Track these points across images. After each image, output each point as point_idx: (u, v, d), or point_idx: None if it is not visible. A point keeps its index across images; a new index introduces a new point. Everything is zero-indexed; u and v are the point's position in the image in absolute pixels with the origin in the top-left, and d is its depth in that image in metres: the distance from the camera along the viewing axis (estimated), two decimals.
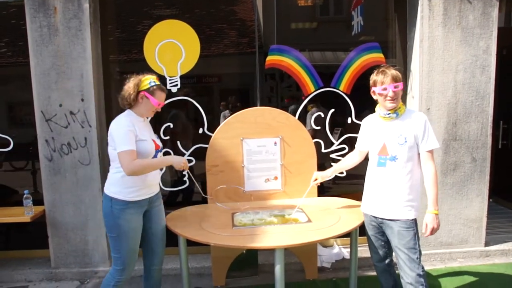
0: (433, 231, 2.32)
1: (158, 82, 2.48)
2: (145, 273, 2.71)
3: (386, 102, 2.34)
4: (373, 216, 2.51)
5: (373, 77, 2.40)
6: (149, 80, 2.45)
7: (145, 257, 2.67)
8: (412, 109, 2.62)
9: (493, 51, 3.52)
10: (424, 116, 2.36)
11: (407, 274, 2.35)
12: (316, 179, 2.86)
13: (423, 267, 2.38)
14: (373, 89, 2.40)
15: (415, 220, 2.38)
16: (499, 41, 3.53)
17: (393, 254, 2.54)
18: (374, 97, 2.43)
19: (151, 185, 2.53)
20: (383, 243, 2.56)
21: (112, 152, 2.41)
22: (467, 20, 3.47)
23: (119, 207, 2.39)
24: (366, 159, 2.64)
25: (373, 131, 2.49)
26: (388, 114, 2.36)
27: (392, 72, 2.31)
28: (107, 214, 2.42)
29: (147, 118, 2.59)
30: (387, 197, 2.39)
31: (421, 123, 2.31)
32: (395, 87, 2.29)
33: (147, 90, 2.42)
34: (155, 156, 2.51)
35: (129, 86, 2.42)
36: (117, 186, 2.41)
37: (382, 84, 2.32)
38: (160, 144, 2.62)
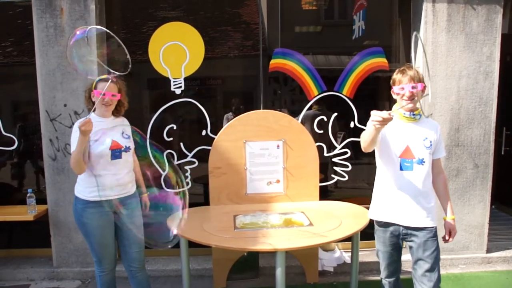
0: (453, 237, 2.34)
1: (104, 77, 2.44)
2: (127, 273, 2.68)
3: (403, 102, 2.24)
4: (397, 225, 2.31)
5: (393, 76, 2.31)
6: (95, 80, 2.47)
7: (121, 257, 2.65)
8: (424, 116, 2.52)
9: (497, 57, 3.52)
10: (438, 124, 2.37)
11: (426, 286, 2.24)
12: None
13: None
14: (392, 88, 2.31)
15: (436, 228, 2.30)
16: (502, 47, 3.53)
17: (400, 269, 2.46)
18: (394, 96, 2.33)
19: (113, 187, 2.43)
20: (396, 259, 2.42)
21: None
22: (471, 26, 3.48)
23: (81, 206, 2.45)
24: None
25: (391, 132, 2.28)
26: (413, 115, 2.25)
27: (411, 72, 2.21)
28: (74, 211, 2.52)
29: (115, 117, 2.55)
30: (416, 204, 2.24)
31: (438, 130, 2.31)
32: (412, 87, 2.19)
33: (94, 88, 2.43)
34: (118, 157, 2.44)
35: (85, 95, 2.50)
36: (79, 185, 2.49)
37: (400, 84, 2.24)
38: (125, 144, 2.49)
